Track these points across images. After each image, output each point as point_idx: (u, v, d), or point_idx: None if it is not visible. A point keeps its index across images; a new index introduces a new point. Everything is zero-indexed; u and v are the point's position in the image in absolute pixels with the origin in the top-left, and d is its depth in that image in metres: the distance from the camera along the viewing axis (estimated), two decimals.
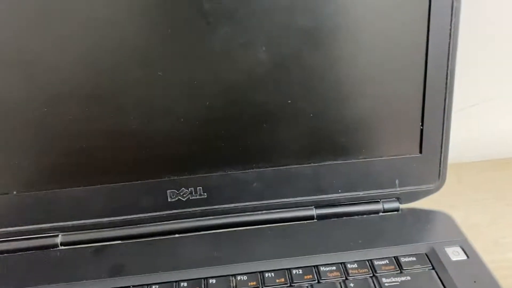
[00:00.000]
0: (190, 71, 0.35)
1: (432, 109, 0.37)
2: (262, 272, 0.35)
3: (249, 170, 0.38)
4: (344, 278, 0.34)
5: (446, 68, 0.36)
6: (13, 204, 0.37)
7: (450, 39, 0.35)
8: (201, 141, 0.37)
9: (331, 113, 0.37)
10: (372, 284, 0.33)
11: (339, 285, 0.34)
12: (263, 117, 0.36)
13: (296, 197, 0.39)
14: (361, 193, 0.39)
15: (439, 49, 0.35)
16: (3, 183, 0.36)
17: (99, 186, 0.37)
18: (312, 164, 0.38)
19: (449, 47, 0.35)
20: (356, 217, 0.40)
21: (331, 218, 0.39)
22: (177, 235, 0.39)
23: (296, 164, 0.38)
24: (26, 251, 0.38)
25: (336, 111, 0.37)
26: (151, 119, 0.36)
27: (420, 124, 0.38)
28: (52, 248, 0.38)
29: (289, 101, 0.36)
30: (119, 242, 0.38)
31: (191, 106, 0.36)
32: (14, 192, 0.37)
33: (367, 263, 0.35)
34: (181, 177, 0.38)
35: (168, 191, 0.38)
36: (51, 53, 0.33)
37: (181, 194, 0.38)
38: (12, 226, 0.37)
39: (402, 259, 0.35)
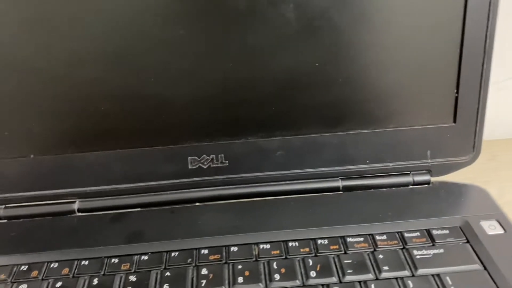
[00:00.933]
0: (213, 31, 0.33)
1: (469, 75, 0.35)
2: (285, 241, 0.33)
3: (273, 138, 0.36)
4: (372, 250, 0.32)
5: (485, 29, 0.33)
6: (30, 168, 0.36)
7: None
8: (224, 107, 0.35)
9: (361, 78, 0.35)
10: (402, 256, 0.32)
11: (367, 257, 0.32)
12: (289, 81, 0.35)
13: (321, 167, 0.37)
14: (390, 165, 0.37)
15: (478, 8, 0.33)
16: (20, 146, 0.35)
17: (118, 151, 0.36)
18: (340, 133, 0.36)
19: (489, 6, 0.33)
20: (384, 189, 0.38)
21: (357, 190, 0.38)
22: (197, 204, 0.37)
23: (323, 133, 0.36)
24: (43, 216, 0.37)
25: (366, 77, 0.35)
26: (173, 82, 0.34)
27: (455, 91, 0.35)
28: (69, 215, 0.37)
29: (317, 65, 0.34)
30: (138, 209, 0.37)
31: (215, 69, 0.34)
32: (32, 156, 0.36)
33: (396, 235, 0.33)
34: (202, 144, 0.36)
35: (189, 158, 0.37)
36: (72, 14, 0.32)
37: (202, 161, 0.37)
38: (29, 191, 0.37)
39: (434, 232, 0.33)
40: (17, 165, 0.36)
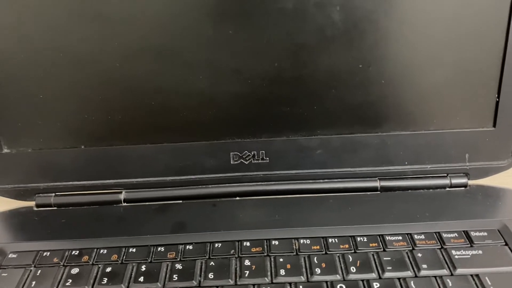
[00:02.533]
0: (261, 30, 0.34)
1: (511, 80, 0.35)
2: (325, 237, 0.34)
3: (314, 137, 0.37)
4: (411, 248, 0.33)
5: None
6: (81, 159, 0.38)
7: None
8: (267, 104, 0.37)
9: (403, 80, 0.36)
10: (441, 256, 0.32)
11: (405, 255, 0.32)
12: (332, 81, 0.36)
13: (360, 167, 0.38)
14: (428, 167, 0.38)
15: None
16: (72, 137, 0.37)
17: (164, 144, 0.37)
18: (379, 134, 0.37)
19: None
20: (421, 191, 0.38)
21: (395, 190, 0.38)
22: (237, 198, 0.39)
23: (363, 133, 0.37)
24: (90, 205, 0.38)
25: (408, 79, 0.36)
26: (219, 79, 0.36)
27: (496, 96, 0.36)
28: (116, 204, 0.39)
29: (360, 66, 0.35)
30: (181, 201, 0.38)
31: (260, 67, 0.35)
32: (83, 147, 0.37)
33: (434, 235, 0.34)
34: (245, 140, 0.38)
35: (231, 153, 0.38)
36: (126, 9, 0.34)
37: (244, 157, 0.38)
38: (78, 181, 0.38)
39: (472, 234, 0.34)
40: (68, 155, 0.38)
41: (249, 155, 0.38)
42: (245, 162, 0.38)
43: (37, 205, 0.39)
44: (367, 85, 0.36)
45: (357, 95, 0.36)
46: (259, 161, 0.38)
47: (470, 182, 0.38)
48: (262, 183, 0.38)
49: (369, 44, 0.35)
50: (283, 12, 0.34)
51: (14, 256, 0.34)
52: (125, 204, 0.39)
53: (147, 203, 0.39)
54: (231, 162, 0.38)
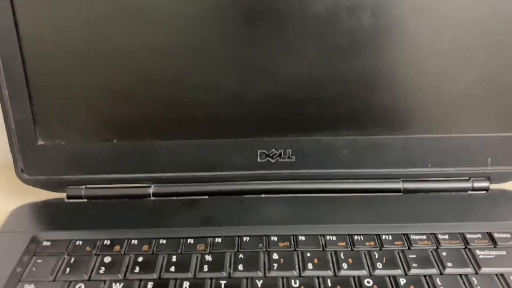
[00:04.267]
0: (293, 32, 0.35)
1: None
2: (351, 235, 0.35)
3: (340, 137, 0.38)
4: (435, 247, 0.34)
5: None
6: (113, 152, 0.39)
7: None
8: (295, 104, 0.38)
9: (430, 84, 0.37)
10: (465, 255, 0.33)
11: (430, 254, 0.33)
12: (360, 83, 0.37)
13: (384, 168, 0.39)
14: (451, 170, 0.39)
15: None
16: (105, 130, 0.38)
17: (194, 140, 0.38)
18: (404, 136, 0.38)
19: None
20: (443, 193, 0.39)
21: (418, 192, 0.39)
22: (263, 195, 0.40)
23: (388, 135, 0.38)
24: (120, 198, 0.40)
25: (435, 83, 0.37)
26: (250, 78, 0.37)
27: None
28: (145, 198, 0.40)
29: (388, 69, 0.36)
30: (208, 197, 0.39)
31: (290, 68, 0.36)
32: (115, 141, 0.39)
33: (458, 235, 0.35)
34: (272, 138, 0.38)
35: (258, 151, 0.39)
36: (162, 7, 0.35)
37: (271, 155, 0.39)
38: (109, 174, 0.39)
39: (496, 235, 0.34)
40: (100, 148, 0.39)
41: (276, 153, 0.39)
42: (272, 160, 0.39)
43: (68, 197, 0.40)
44: (394, 87, 0.37)
45: (384, 97, 0.37)
46: (285, 160, 0.39)
47: (492, 186, 0.39)
48: (288, 181, 0.39)
49: (398, 47, 0.36)
50: (315, 15, 0.35)
51: (48, 244, 0.35)
52: (154, 197, 0.40)
53: (175, 197, 0.40)
54: (258, 160, 0.39)
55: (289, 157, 0.39)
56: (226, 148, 0.39)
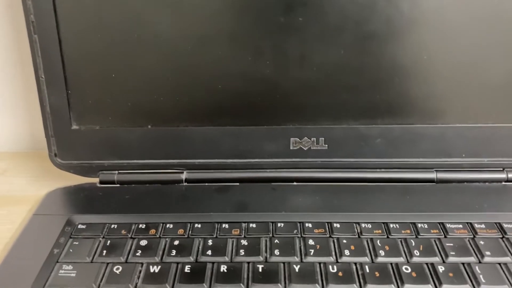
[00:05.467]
0: (329, 19, 0.35)
1: None
2: (386, 223, 0.35)
3: (374, 126, 0.38)
4: (472, 236, 0.33)
5: None
6: (147, 138, 0.39)
7: None
8: (330, 92, 0.37)
9: (466, 73, 0.36)
10: (503, 244, 0.33)
11: (467, 242, 0.33)
12: (396, 71, 0.37)
13: (418, 158, 0.39)
14: (485, 160, 0.39)
15: None
16: (139, 116, 0.39)
17: (227, 127, 0.39)
18: (439, 125, 0.38)
19: None
20: (477, 183, 0.39)
21: (451, 182, 0.39)
22: (295, 183, 0.40)
23: (423, 124, 0.38)
24: (153, 183, 0.40)
25: (472, 72, 0.36)
26: (285, 65, 0.37)
27: None
28: (177, 184, 0.40)
29: (425, 57, 0.36)
30: (241, 183, 0.39)
31: (326, 55, 0.36)
32: (149, 126, 0.39)
33: (495, 225, 0.34)
34: (305, 126, 0.38)
35: (291, 139, 0.39)
36: None
37: (303, 143, 0.39)
38: (142, 159, 0.40)
39: None
40: (134, 134, 0.39)
41: (309, 141, 0.39)
42: (304, 148, 0.39)
43: (101, 182, 0.40)
44: (430, 76, 0.37)
45: (420, 86, 0.37)
46: (318, 148, 0.39)
47: None
48: (321, 169, 0.39)
49: (436, 37, 0.35)
50: (352, 1, 0.35)
51: (83, 227, 0.35)
52: (187, 183, 0.40)
53: (207, 184, 0.40)
54: (291, 148, 0.39)
55: (322, 145, 0.39)
56: (259, 135, 0.39)
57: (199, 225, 0.35)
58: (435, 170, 0.39)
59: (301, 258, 0.32)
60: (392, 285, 0.30)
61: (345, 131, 0.38)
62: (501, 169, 0.39)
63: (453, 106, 0.38)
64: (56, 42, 0.36)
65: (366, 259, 0.32)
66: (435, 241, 0.33)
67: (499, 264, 0.31)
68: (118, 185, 0.40)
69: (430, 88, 0.37)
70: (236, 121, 0.39)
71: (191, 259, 0.32)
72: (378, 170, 0.39)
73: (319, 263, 0.32)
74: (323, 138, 0.39)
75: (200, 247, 0.33)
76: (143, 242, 0.34)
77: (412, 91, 0.37)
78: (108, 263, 0.32)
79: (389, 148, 0.39)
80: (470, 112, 0.38)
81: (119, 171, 0.40)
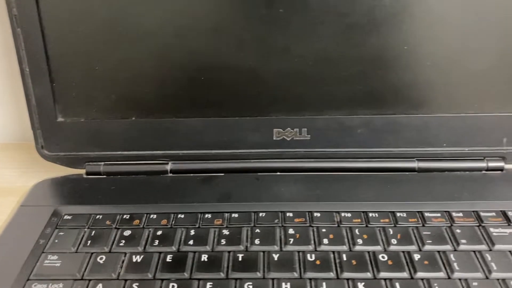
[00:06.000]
0: (310, 10, 0.35)
1: None
2: (365, 212, 0.35)
3: (356, 116, 0.39)
4: (449, 225, 0.34)
5: None
6: (131, 129, 0.39)
7: None
8: (312, 82, 0.38)
9: (447, 63, 0.37)
10: (479, 232, 0.33)
11: (444, 231, 0.34)
12: (377, 61, 0.37)
13: (399, 147, 0.39)
14: (466, 149, 0.39)
15: None
16: (124, 108, 0.39)
17: (211, 118, 0.39)
18: (421, 115, 0.38)
19: None
20: (458, 172, 0.39)
21: (432, 171, 0.39)
22: (278, 173, 0.40)
23: (404, 114, 0.38)
24: (138, 174, 0.40)
25: (452, 62, 0.37)
26: (268, 56, 0.37)
27: None
28: (162, 174, 0.40)
29: (406, 47, 0.36)
30: (225, 174, 0.40)
31: (308, 46, 0.36)
32: (133, 118, 0.39)
33: (472, 213, 0.35)
34: (288, 117, 0.39)
35: (274, 129, 0.39)
36: None
37: (286, 133, 0.39)
38: (127, 150, 0.40)
39: (510, 213, 0.35)
40: (119, 125, 0.39)
41: (292, 131, 0.39)
42: (287, 139, 0.39)
43: (87, 173, 0.40)
44: (411, 67, 0.37)
45: (401, 76, 0.37)
46: (301, 138, 0.39)
47: (507, 166, 0.39)
48: (303, 159, 0.40)
49: (415, 26, 0.36)
50: None
51: (69, 217, 0.36)
52: (171, 174, 0.40)
53: (192, 174, 0.40)
54: (274, 138, 0.39)
55: (304, 136, 0.39)
56: (243, 126, 0.39)
57: (182, 216, 0.36)
58: (416, 159, 0.39)
59: (281, 247, 0.33)
60: (368, 273, 0.31)
61: (327, 121, 0.39)
62: (482, 158, 0.39)
63: (434, 96, 0.38)
64: (39, 35, 0.37)
65: (344, 247, 0.33)
66: (412, 229, 0.34)
67: (474, 252, 0.32)
68: (104, 176, 0.40)
69: (412, 78, 0.37)
70: (220, 112, 0.39)
71: (173, 248, 0.33)
72: (360, 159, 0.40)
73: (298, 252, 0.32)
74: (305, 129, 0.39)
75: (183, 237, 0.34)
76: (127, 233, 0.34)
77: (394, 81, 0.37)
78: (92, 253, 0.33)
79: (371, 137, 0.39)
80: (452, 101, 0.38)
81: (105, 163, 0.40)
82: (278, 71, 0.37)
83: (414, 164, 0.39)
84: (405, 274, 0.30)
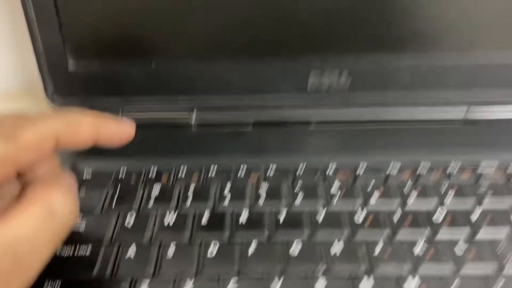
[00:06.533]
0: None
1: None
2: (415, 165, 0.32)
3: (403, 56, 0.34)
4: (509, 178, 0.31)
5: None
6: (151, 75, 0.35)
7: None
8: (354, 19, 0.33)
9: None
10: None
11: (504, 183, 0.31)
12: None
13: (448, 92, 0.35)
14: None
15: None
16: (143, 51, 0.34)
17: (239, 61, 0.35)
18: (471, 55, 0.34)
19: None
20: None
21: (483, 119, 0.36)
22: (315, 123, 0.36)
23: (456, 53, 0.34)
24: (160, 125, 0.36)
25: None
26: None
27: None
28: (187, 126, 0.36)
29: None
30: (256, 125, 0.36)
31: None
32: (153, 62, 0.35)
33: None
34: (326, 59, 0.35)
35: (311, 72, 0.35)
36: None
37: (324, 78, 0.35)
38: (147, 99, 0.36)
39: None
40: (137, 71, 0.35)
41: (330, 75, 0.35)
42: (325, 84, 0.35)
43: None
44: (462, 3, 0.32)
45: (450, 11, 0.32)
46: (340, 83, 0.35)
47: None
48: (342, 108, 0.36)
49: None
50: None
51: (89, 174, 0.33)
52: (197, 125, 0.37)
53: (219, 125, 0.37)
54: (310, 83, 0.35)
55: (345, 79, 0.35)
56: (275, 69, 0.35)
57: (214, 171, 0.32)
58: (467, 105, 0.36)
59: (326, 205, 0.30)
60: (426, 232, 0.28)
61: (370, 62, 0.34)
62: None
63: (487, 34, 0.33)
64: None
65: (396, 204, 0.30)
66: (468, 183, 0.31)
67: None
68: None
69: (461, 13, 0.32)
70: (249, 54, 0.35)
71: (209, 206, 0.30)
72: (406, 107, 0.36)
73: (345, 210, 0.30)
74: (346, 71, 0.35)
75: (218, 194, 0.31)
76: (156, 190, 0.31)
77: (445, 16, 0.33)
78: (119, 213, 0.30)
79: (418, 82, 0.35)
80: (506, 40, 0.34)
81: (123, 112, 0.37)
82: (315, 7, 0.33)
83: (464, 111, 0.36)
84: (466, 230, 0.28)
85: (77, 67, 0.35)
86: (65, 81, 0.35)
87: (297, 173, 0.32)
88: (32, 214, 0.20)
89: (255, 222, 0.29)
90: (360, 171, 0.32)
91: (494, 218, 0.29)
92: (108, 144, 0.26)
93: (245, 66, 0.35)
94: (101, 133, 0.25)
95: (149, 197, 0.31)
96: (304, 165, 0.32)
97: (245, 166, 0.32)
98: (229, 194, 0.31)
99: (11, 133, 0.21)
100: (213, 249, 0.27)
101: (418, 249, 0.27)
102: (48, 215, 0.21)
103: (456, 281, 0.26)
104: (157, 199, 0.30)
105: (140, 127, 0.37)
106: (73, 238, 0.28)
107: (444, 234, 0.28)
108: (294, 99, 0.36)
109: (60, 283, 0.26)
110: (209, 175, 0.32)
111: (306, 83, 0.35)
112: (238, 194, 0.31)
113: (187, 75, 0.35)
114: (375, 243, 0.27)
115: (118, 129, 0.26)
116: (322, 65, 0.35)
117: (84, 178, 0.32)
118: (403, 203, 0.30)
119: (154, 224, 0.29)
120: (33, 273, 0.21)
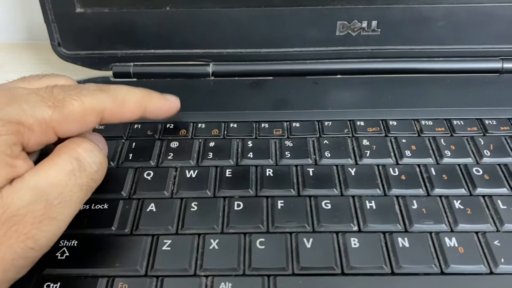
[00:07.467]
0: None
1: None
2: (449, 119, 0.30)
3: (436, 5, 0.32)
4: None
5: None
6: (167, 22, 0.33)
7: None
8: None
9: None
10: None
11: None
12: None
13: (483, 44, 0.33)
14: None
15: None
16: None
17: (260, 8, 0.32)
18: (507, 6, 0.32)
19: None
20: None
21: None
22: (340, 76, 0.34)
23: (492, 2, 0.32)
24: (175, 77, 0.34)
25: None
26: None
27: None
28: (203, 78, 0.34)
29: None
30: (277, 77, 0.34)
31: None
32: (168, 7, 0.32)
33: None
34: (355, 7, 0.32)
35: (338, 22, 0.33)
36: None
37: (352, 27, 0.33)
38: (161, 49, 0.34)
39: None
40: (150, 18, 0.33)
41: (359, 25, 0.33)
42: (353, 34, 0.33)
43: (115, 75, 0.35)
44: None
45: None
46: (369, 33, 0.33)
47: None
48: (372, 59, 0.34)
49: None
50: None
51: (102, 127, 0.31)
52: (214, 77, 0.34)
53: (238, 78, 0.35)
54: (337, 33, 0.33)
55: (374, 30, 0.33)
56: (299, 19, 0.33)
57: (235, 125, 0.30)
58: (501, 59, 0.34)
59: (356, 160, 0.28)
60: (463, 189, 0.26)
61: (401, 12, 0.32)
62: None
63: None
64: None
65: (431, 160, 0.28)
66: (506, 139, 0.29)
67: None
68: (134, 79, 0.35)
69: None
70: (271, 1, 0.32)
71: (231, 162, 0.28)
72: (437, 59, 0.34)
73: (378, 165, 0.28)
74: (376, 21, 0.33)
75: (240, 149, 0.29)
76: (174, 144, 0.29)
77: None
78: (136, 168, 0.28)
79: (451, 32, 0.33)
80: None
81: (135, 63, 0.34)
82: None
83: (499, 64, 0.34)
84: (505, 190, 0.26)
85: (85, 13, 0.32)
86: (72, 30, 0.33)
87: (322, 129, 0.30)
88: (61, 162, 0.21)
89: (282, 177, 0.27)
90: (392, 123, 0.30)
91: None
92: (154, 118, 0.27)
93: (268, 14, 0.32)
94: (147, 109, 0.26)
95: (168, 151, 0.29)
96: (330, 120, 0.30)
97: (266, 122, 0.30)
98: (252, 148, 0.29)
99: (59, 101, 0.22)
100: (239, 203, 0.26)
101: (457, 204, 0.26)
102: (77, 165, 0.22)
103: (496, 236, 0.24)
104: (176, 152, 0.29)
105: (154, 80, 0.35)
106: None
107: (483, 189, 0.26)
108: (318, 52, 0.34)
109: (76, 243, 0.24)
110: (230, 130, 0.30)
111: (334, 34, 0.33)
112: (261, 149, 0.29)
113: (204, 23, 0.33)
114: (411, 198, 0.26)
115: (163, 104, 0.27)
116: (349, 15, 0.32)
117: (95, 129, 0.30)
118: (440, 157, 0.28)
119: (175, 178, 0.27)
120: (64, 221, 0.21)
